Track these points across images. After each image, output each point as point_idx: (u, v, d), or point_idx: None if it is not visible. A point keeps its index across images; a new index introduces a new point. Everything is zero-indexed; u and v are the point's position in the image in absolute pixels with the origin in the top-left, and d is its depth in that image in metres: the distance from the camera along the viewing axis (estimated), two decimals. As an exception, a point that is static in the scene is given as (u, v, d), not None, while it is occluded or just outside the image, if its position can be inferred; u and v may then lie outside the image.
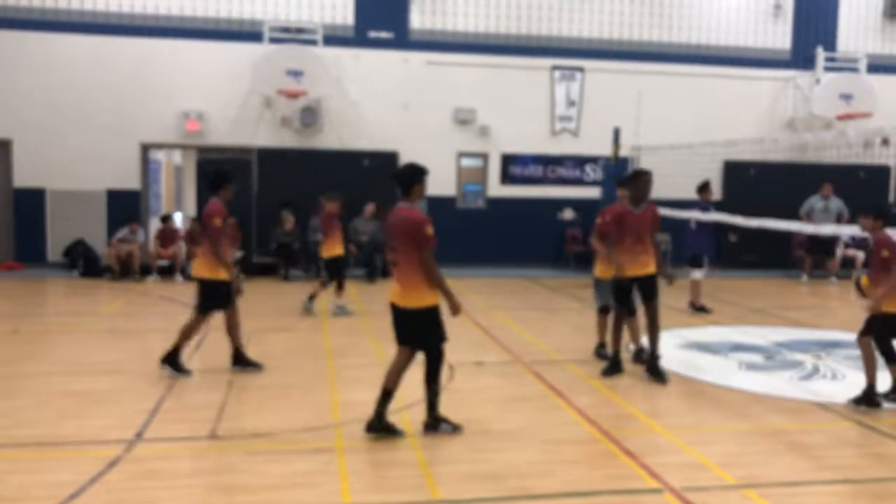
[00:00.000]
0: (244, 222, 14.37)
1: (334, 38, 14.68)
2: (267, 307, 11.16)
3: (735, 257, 15.41)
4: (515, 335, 9.30)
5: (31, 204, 14.30)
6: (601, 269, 8.03)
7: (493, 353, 8.33)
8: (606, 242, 7.57)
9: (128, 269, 13.43)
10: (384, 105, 15.06)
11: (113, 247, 13.54)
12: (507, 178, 15.86)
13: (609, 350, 7.71)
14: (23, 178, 14.24)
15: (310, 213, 14.22)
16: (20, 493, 4.49)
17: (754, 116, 16.18)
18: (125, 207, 14.27)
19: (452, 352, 8.16)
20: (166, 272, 13.68)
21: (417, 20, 15.35)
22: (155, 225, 15.13)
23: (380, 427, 5.52)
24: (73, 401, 6.34)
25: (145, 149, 14.85)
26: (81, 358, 7.81)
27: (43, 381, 6.88)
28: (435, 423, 5.67)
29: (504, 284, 13.65)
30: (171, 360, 7.12)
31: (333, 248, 10.43)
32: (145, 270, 13.65)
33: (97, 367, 7.46)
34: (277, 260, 14.17)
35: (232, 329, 7.35)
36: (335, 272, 10.50)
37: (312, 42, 14.42)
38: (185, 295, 11.90)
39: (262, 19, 14.39)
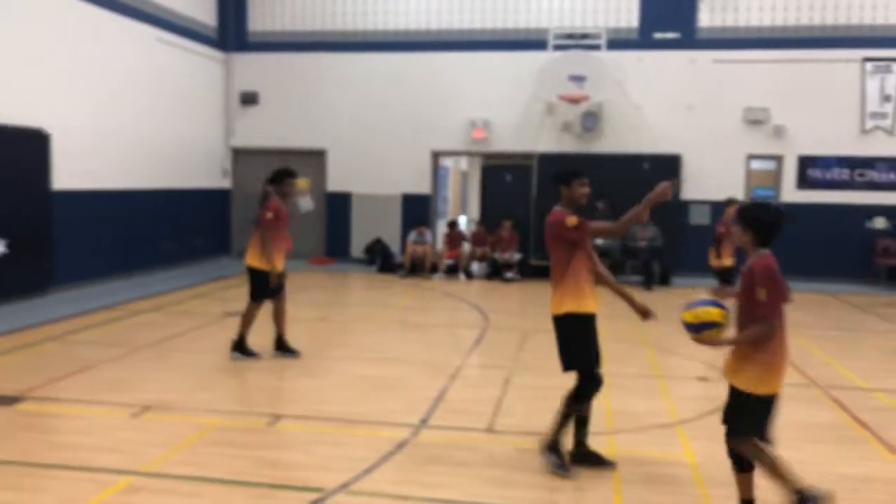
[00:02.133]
0: (523, 226, 14.79)
1: (617, 42, 14.51)
2: (540, 308, 11.35)
3: None
4: (812, 356, 8.44)
5: (339, 206, 16.09)
6: None
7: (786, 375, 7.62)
8: None
9: (418, 267, 14.49)
10: (666, 107, 14.56)
11: (408, 247, 14.71)
12: (804, 181, 14.48)
13: None
14: (334, 183, 16.07)
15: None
16: (324, 462, 5.05)
17: None
18: (417, 210, 15.46)
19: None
20: (451, 271, 14.54)
21: (706, 18, 14.61)
22: (442, 226, 16.17)
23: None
24: (368, 384, 6.98)
25: (436, 156, 15.93)
26: (376, 346, 8.58)
27: (345, 365, 7.67)
28: (552, 447, 4.95)
29: (799, 300, 12.41)
30: (240, 347, 7.63)
31: (719, 258, 11.05)
32: (433, 268, 14.64)
33: (389, 355, 8.15)
34: (554, 263, 14.32)
35: (277, 316, 7.75)
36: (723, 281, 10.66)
37: (596, 47, 14.39)
38: (467, 293, 12.56)
39: (547, 28, 14.68)
